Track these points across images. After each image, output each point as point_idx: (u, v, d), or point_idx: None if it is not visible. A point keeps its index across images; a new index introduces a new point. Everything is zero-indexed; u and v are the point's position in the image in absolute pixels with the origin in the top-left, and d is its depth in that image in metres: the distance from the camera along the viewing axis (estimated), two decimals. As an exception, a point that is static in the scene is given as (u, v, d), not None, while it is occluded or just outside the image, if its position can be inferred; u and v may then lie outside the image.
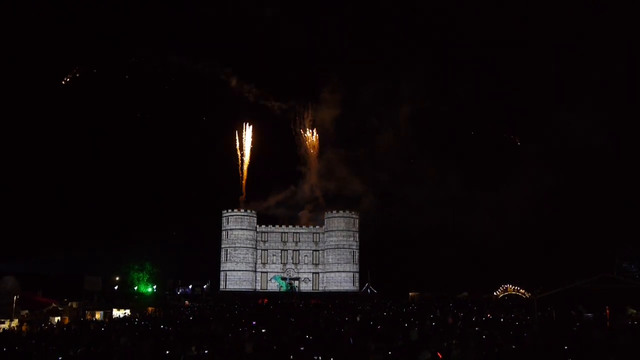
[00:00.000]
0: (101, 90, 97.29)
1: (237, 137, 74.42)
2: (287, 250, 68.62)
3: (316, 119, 76.58)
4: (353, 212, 68.48)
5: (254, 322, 22.88)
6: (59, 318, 32.76)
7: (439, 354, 12.84)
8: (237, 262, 65.68)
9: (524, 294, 44.86)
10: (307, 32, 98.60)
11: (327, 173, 73.78)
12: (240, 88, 77.79)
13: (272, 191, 73.31)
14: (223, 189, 78.25)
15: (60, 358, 13.77)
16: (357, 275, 67.37)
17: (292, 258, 68.39)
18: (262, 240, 68.61)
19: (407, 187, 73.87)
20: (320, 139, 75.97)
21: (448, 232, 70.23)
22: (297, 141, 75.89)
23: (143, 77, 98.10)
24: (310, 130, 76.12)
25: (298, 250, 68.72)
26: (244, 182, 73.67)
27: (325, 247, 68.18)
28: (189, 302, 52.17)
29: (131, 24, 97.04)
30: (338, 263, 66.77)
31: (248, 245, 66.62)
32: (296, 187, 73.42)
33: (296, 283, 66.36)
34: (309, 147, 75.80)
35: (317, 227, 69.66)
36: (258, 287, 66.62)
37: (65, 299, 38.68)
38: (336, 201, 71.16)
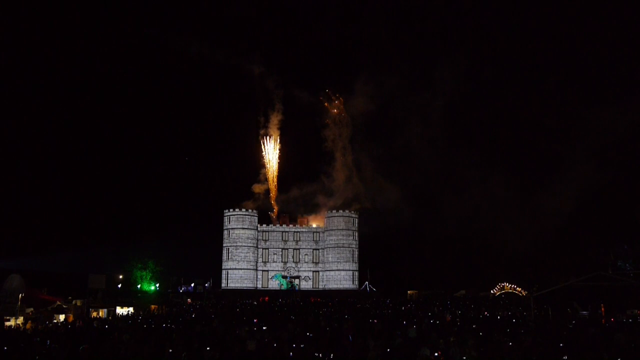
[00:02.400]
0: (105, 88, 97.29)
1: (260, 131, 72.59)
2: (287, 249, 69.01)
3: (347, 112, 73.64)
4: (353, 212, 68.80)
5: (255, 320, 23.22)
6: (63, 316, 33.12)
7: (439, 352, 13.14)
8: (238, 261, 66.11)
9: (520, 292, 45.13)
10: (342, 22, 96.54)
11: (356, 171, 71.85)
12: (264, 78, 74.43)
13: (294, 187, 72.21)
14: (233, 186, 77.38)
15: (64, 355, 13.98)
16: (356, 273, 67.77)
17: (293, 257, 68.79)
18: (263, 239, 69.01)
19: (434, 187, 72.63)
20: (350, 133, 73.28)
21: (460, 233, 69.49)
22: (324, 135, 73.51)
23: (154, 68, 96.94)
24: (341, 118, 72.98)
25: (298, 249, 69.12)
26: (275, 177, 72.33)
27: (325, 246, 68.57)
28: (191, 300, 52.55)
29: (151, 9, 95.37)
30: (338, 262, 67.17)
31: (249, 244, 67.05)
32: (319, 184, 71.89)
33: (296, 281, 66.78)
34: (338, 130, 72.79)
35: (317, 226, 70.02)
36: (259, 286, 67.04)
37: (70, 297, 39.02)
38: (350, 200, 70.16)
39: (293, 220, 71.30)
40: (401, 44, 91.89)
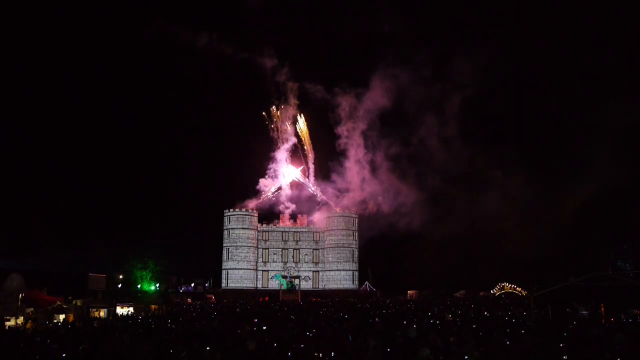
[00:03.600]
0: (106, 85, 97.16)
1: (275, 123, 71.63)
2: (287, 249, 69.07)
3: (363, 108, 72.01)
4: (353, 212, 68.78)
5: (255, 320, 23.22)
6: (63, 316, 33.11)
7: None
8: (238, 261, 66.17)
9: (520, 292, 45.06)
10: (357, 14, 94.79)
11: (370, 170, 70.54)
12: (277, 71, 72.42)
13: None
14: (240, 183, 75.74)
15: (64, 355, 13.99)
16: (356, 273, 67.82)
17: (293, 257, 68.83)
18: (263, 239, 69.01)
19: (441, 186, 71.31)
20: (364, 129, 71.94)
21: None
22: (338, 132, 72.35)
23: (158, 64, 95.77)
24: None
25: (298, 249, 69.15)
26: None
27: (325, 246, 68.58)
28: (191, 300, 52.63)
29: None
30: (338, 262, 67.21)
31: (249, 244, 67.09)
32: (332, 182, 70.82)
33: (296, 281, 66.83)
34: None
35: (317, 226, 69.99)
36: (259, 285, 67.10)
37: (70, 297, 39.05)
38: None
39: (293, 220, 71.18)
40: (418, 36, 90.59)
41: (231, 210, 67.82)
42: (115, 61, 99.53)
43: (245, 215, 67.65)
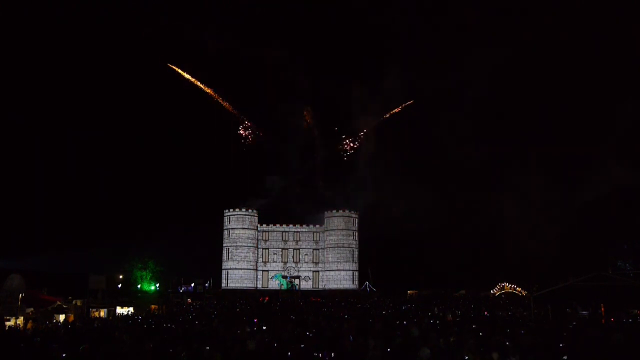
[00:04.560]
0: (107, 83, 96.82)
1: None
2: (287, 249, 69.09)
3: (376, 105, 71.28)
4: (353, 212, 68.76)
5: (256, 320, 23.22)
6: (63, 316, 33.18)
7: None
8: (238, 261, 66.18)
9: (520, 292, 45.16)
10: (371, 8, 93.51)
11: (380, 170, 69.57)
12: (287, 66, 72.48)
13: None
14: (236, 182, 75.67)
15: (64, 355, 13.99)
16: (356, 273, 67.83)
17: (293, 257, 68.86)
18: (263, 239, 69.05)
19: (447, 186, 70.50)
20: (374, 132, 71.40)
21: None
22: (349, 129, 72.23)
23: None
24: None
25: (298, 249, 69.18)
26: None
27: (325, 246, 68.61)
28: (191, 300, 52.65)
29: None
30: (338, 262, 67.22)
31: (249, 244, 67.09)
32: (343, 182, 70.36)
33: (297, 281, 66.83)
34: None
35: (317, 226, 69.96)
36: (259, 286, 67.12)
37: (70, 297, 39.11)
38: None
39: (293, 220, 70.95)
40: (434, 32, 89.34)
41: (231, 210, 67.82)
42: (115, 60, 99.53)
43: (245, 215, 67.68)
